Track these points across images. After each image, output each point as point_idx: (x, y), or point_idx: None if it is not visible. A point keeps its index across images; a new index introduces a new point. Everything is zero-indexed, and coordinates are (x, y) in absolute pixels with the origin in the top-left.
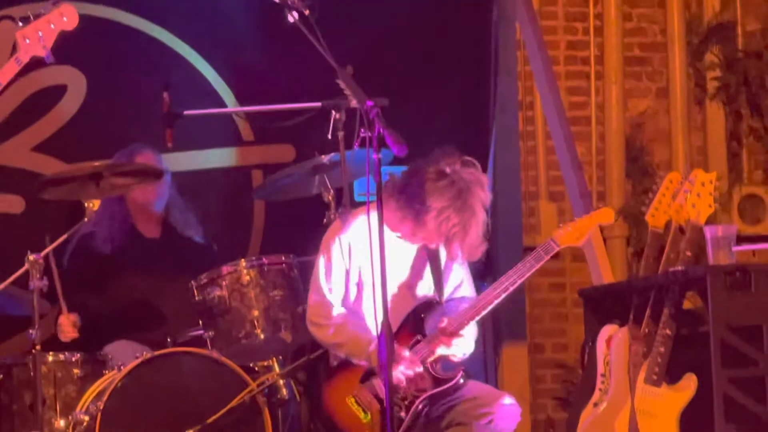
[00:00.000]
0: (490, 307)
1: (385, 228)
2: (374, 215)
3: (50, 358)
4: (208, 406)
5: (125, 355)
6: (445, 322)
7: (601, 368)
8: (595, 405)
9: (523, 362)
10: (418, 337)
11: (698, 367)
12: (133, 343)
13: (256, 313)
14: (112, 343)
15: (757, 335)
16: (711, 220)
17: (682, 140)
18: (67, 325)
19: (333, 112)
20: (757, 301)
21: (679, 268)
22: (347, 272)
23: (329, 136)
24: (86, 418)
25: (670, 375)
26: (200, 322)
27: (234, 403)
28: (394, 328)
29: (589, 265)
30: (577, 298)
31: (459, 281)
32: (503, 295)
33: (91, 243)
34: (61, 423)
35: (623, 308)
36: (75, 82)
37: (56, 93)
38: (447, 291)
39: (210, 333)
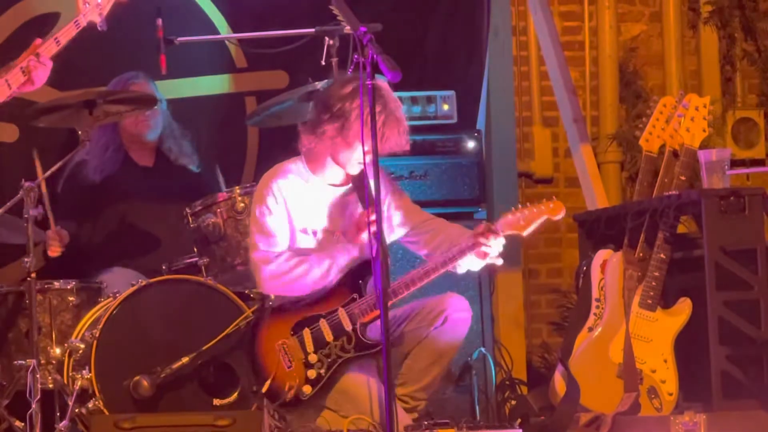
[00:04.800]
0: (426, 281)
1: (316, 179)
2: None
3: (45, 286)
4: (203, 332)
5: (120, 283)
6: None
7: (595, 293)
8: (590, 329)
9: (517, 287)
10: (354, 295)
11: (693, 291)
12: (128, 270)
13: None
14: (107, 270)
15: (751, 258)
16: (705, 144)
17: (675, 64)
18: (54, 239)
19: (326, 39)
20: (750, 224)
21: (674, 192)
22: (289, 218)
23: (323, 62)
24: (81, 345)
25: (665, 299)
26: (195, 249)
27: (230, 330)
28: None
29: (583, 189)
30: (572, 222)
31: (400, 220)
32: (435, 275)
33: (83, 171)
34: (57, 351)
35: (618, 233)
36: (68, 10)
37: (49, 21)
38: (396, 232)
39: (205, 260)
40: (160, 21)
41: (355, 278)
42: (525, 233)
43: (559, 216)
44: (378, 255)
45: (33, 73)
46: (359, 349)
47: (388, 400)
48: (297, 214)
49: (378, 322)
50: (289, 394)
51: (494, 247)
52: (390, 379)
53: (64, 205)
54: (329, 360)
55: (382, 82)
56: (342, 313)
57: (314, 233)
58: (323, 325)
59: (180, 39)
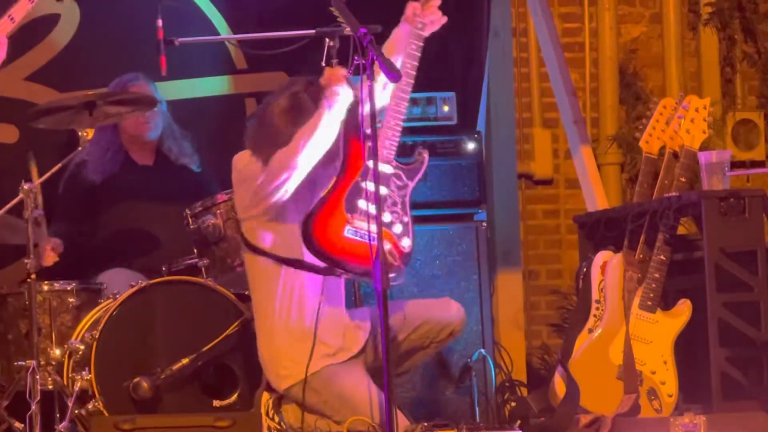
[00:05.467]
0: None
1: None
2: None
3: (45, 287)
4: (202, 334)
5: (120, 284)
6: None
7: (595, 294)
8: (590, 331)
9: (517, 289)
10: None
11: (693, 293)
12: (128, 271)
13: None
14: (107, 271)
15: (751, 260)
16: (705, 146)
17: (675, 66)
18: (47, 250)
19: (327, 40)
20: (750, 226)
21: (674, 193)
22: None
23: (323, 64)
24: (81, 347)
25: (665, 301)
26: (195, 250)
27: (229, 331)
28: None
29: (583, 191)
30: (572, 224)
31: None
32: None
33: (83, 172)
34: (57, 352)
35: (618, 234)
36: (68, 11)
37: (49, 22)
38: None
39: (204, 261)
40: (160, 22)
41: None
42: None
43: None
44: (378, 256)
45: None
46: (411, 175)
47: (388, 403)
48: None
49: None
50: (396, 257)
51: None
52: (390, 381)
53: (65, 206)
54: (399, 206)
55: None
56: (372, 165)
57: None
58: (366, 185)
59: (180, 40)
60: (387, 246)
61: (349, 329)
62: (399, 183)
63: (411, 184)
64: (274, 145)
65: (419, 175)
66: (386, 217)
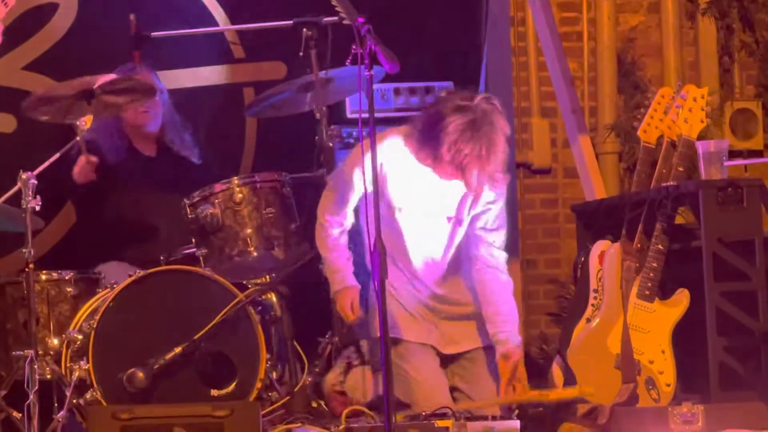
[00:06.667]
0: None
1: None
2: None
3: (43, 277)
4: (201, 323)
5: (118, 274)
6: None
7: (593, 284)
8: (588, 320)
9: (515, 278)
10: None
11: (691, 282)
12: (125, 264)
13: (248, 230)
14: (104, 264)
15: (749, 249)
16: (703, 135)
17: (673, 55)
18: (83, 162)
19: (304, 30)
20: (748, 215)
21: (671, 183)
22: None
23: (300, 54)
24: (79, 336)
25: (663, 290)
26: (193, 240)
27: (222, 315)
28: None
29: (581, 180)
30: (570, 213)
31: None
32: None
33: (96, 148)
34: (55, 341)
35: (616, 223)
36: (66, 0)
37: (48, 11)
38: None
39: (203, 251)
40: (133, 17)
41: None
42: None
43: None
44: (376, 249)
45: None
46: None
47: (386, 387)
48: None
49: None
50: None
51: None
52: (389, 370)
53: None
54: None
55: (498, 119)
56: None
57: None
58: None
59: (155, 34)
60: None
61: None
62: None
63: None
64: None
65: None
66: None
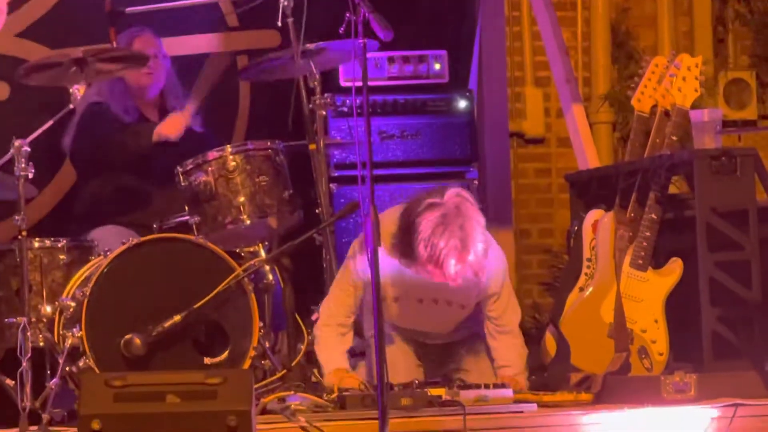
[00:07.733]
0: None
1: None
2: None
3: (36, 244)
4: (194, 291)
5: (111, 241)
6: None
7: (586, 253)
8: (581, 290)
9: (509, 248)
10: None
11: (684, 252)
12: (120, 227)
13: (241, 198)
14: (98, 228)
15: (743, 219)
16: (696, 105)
17: (667, 25)
18: (177, 119)
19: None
20: (742, 185)
21: (665, 152)
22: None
23: (278, 23)
24: (72, 303)
25: (656, 259)
26: (186, 207)
27: (220, 288)
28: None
29: (574, 150)
30: (563, 183)
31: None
32: None
33: (103, 110)
34: (48, 309)
35: (609, 193)
36: None
37: None
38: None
39: (196, 218)
40: None
41: None
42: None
43: None
44: (371, 239)
45: None
46: None
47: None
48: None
49: None
50: None
51: None
52: (381, 342)
53: (78, 157)
54: None
55: (469, 209)
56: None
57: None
58: None
59: (129, 9)
60: None
61: None
62: None
63: None
64: None
65: None
66: None
